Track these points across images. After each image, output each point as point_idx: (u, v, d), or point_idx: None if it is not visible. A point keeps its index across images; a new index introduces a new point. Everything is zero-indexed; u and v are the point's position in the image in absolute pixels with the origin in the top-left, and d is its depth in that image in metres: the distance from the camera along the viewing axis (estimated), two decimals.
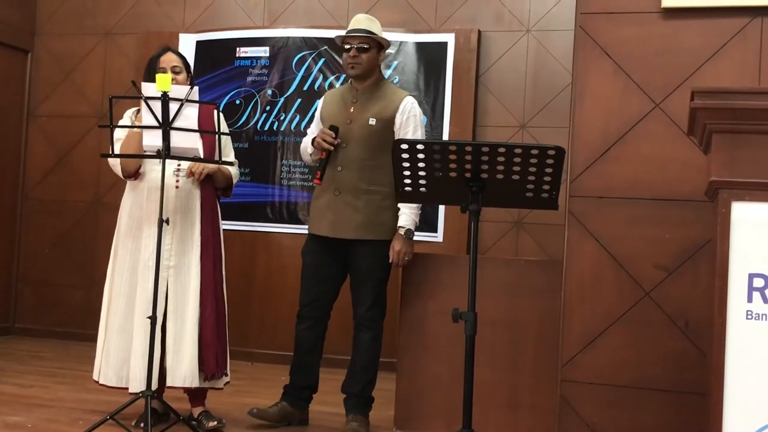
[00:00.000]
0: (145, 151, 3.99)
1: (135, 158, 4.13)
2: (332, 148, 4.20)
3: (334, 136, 4.20)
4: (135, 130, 4.11)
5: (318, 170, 4.25)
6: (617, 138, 3.55)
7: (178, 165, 4.16)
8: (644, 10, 3.56)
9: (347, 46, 4.27)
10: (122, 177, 4.25)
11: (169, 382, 4.06)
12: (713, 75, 3.44)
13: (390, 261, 4.19)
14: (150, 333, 3.88)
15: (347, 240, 4.21)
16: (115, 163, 4.21)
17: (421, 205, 4.25)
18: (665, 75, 3.52)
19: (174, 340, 4.07)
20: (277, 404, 4.31)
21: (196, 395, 4.22)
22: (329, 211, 4.24)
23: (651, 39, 3.55)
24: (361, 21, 4.30)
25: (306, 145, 4.45)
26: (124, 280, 4.17)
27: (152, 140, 3.94)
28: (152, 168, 4.17)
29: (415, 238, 4.23)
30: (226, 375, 4.25)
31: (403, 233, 4.16)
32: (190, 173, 4.16)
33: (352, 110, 4.29)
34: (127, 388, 4.11)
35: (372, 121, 4.22)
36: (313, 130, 4.45)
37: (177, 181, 4.16)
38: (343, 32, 4.34)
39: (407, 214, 4.17)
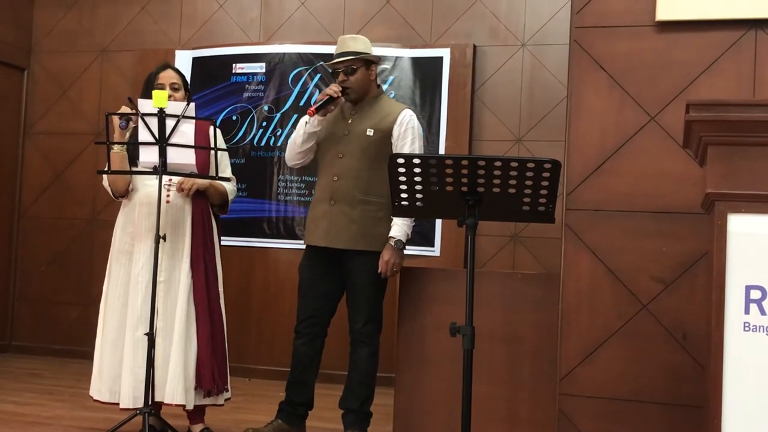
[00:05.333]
0: (141, 167, 4.02)
1: (128, 175, 4.16)
2: (336, 96, 4.20)
3: (341, 90, 4.22)
4: (116, 151, 4.11)
5: (315, 105, 4.21)
6: (613, 151, 3.56)
7: (169, 180, 4.17)
8: (638, 24, 3.57)
9: (336, 71, 4.31)
10: (114, 198, 4.27)
11: (156, 398, 4.04)
12: (708, 88, 3.45)
13: (379, 271, 4.19)
14: (147, 349, 3.89)
15: (342, 251, 4.21)
16: (106, 184, 4.23)
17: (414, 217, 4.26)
18: (660, 88, 3.52)
19: (163, 356, 4.07)
20: (273, 422, 4.29)
21: (194, 412, 4.20)
22: (324, 220, 4.24)
23: (645, 52, 3.56)
24: (345, 43, 4.32)
25: (299, 126, 4.38)
26: (118, 295, 4.18)
27: (148, 156, 3.95)
28: (144, 184, 4.19)
29: (412, 252, 4.24)
30: (227, 391, 4.24)
31: (393, 243, 4.16)
32: (180, 188, 4.16)
33: (350, 122, 4.31)
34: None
35: (369, 132, 4.24)
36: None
37: (168, 195, 4.16)
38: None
39: (399, 225, 4.17)
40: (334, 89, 4.21)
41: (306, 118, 4.30)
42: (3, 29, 7.17)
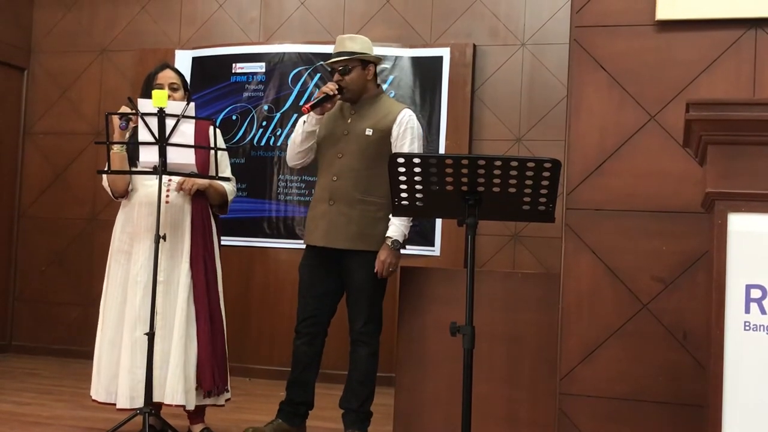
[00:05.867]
0: (141, 167, 4.02)
1: (126, 175, 4.16)
2: (332, 93, 4.18)
3: (338, 88, 4.21)
4: (116, 151, 4.11)
5: (311, 103, 4.20)
6: (613, 150, 3.56)
7: (169, 180, 4.17)
8: (638, 23, 3.57)
9: (333, 70, 4.32)
10: (114, 198, 4.27)
11: (155, 398, 4.03)
12: (708, 87, 3.45)
13: (375, 271, 4.18)
14: (148, 349, 3.89)
15: (341, 251, 4.21)
16: (106, 184, 4.23)
17: (412, 217, 4.25)
18: (660, 87, 3.52)
19: (161, 356, 4.06)
20: (273, 422, 4.29)
21: (194, 412, 4.20)
22: (323, 220, 4.24)
23: (645, 52, 3.55)
24: (342, 43, 4.33)
25: (298, 125, 4.38)
26: (116, 295, 4.18)
27: (148, 156, 3.95)
28: (143, 183, 4.19)
29: (412, 251, 4.23)
30: (227, 391, 4.24)
31: (389, 243, 4.16)
32: (180, 188, 4.16)
33: (349, 121, 4.31)
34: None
35: (368, 132, 4.23)
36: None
37: (167, 195, 4.16)
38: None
39: (396, 226, 4.16)
40: (330, 87, 4.21)
41: (304, 117, 4.31)
42: (3, 29, 7.17)
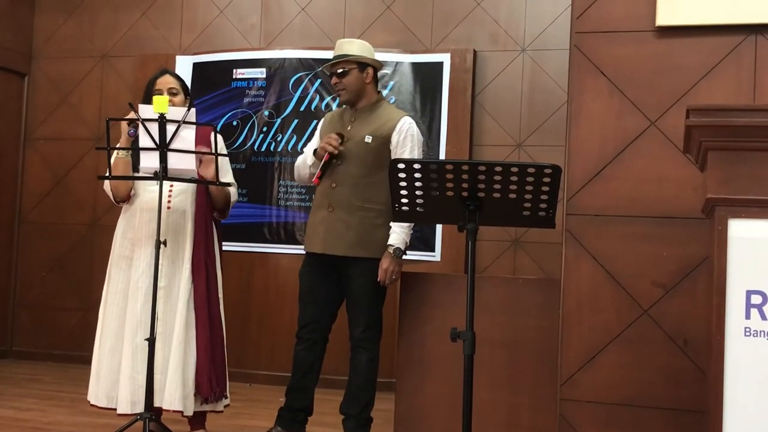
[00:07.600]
0: (142, 173, 4.02)
1: (129, 180, 4.15)
2: (336, 152, 4.18)
3: (339, 141, 4.20)
4: (120, 156, 4.11)
5: (319, 170, 4.22)
6: (613, 156, 3.56)
7: (171, 186, 4.16)
8: (639, 29, 3.57)
9: (331, 73, 4.32)
10: (115, 203, 4.27)
11: (155, 403, 4.02)
12: (708, 93, 3.45)
13: (378, 280, 4.18)
14: (148, 354, 3.88)
15: (341, 258, 4.21)
16: (107, 189, 4.23)
17: (413, 224, 4.25)
18: (660, 93, 3.53)
19: (162, 362, 4.06)
20: (272, 429, 4.29)
21: (194, 418, 4.19)
22: (322, 227, 4.24)
23: (646, 57, 3.56)
24: (341, 47, 4.33)
25: (306, 156, 4.40)
26: (117, 301, 4.17)
27: (149, 162, 3.95)
28: (145, 189, 4.18)
29: (413, 257, 4.23)
30: (226, 397, 4.23)
31: (391, 252, 4.15)
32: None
33: (349, 128, 4.31)
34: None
35: (368, 139, 4.23)
36: (311, 148, 4.44)
37: (169, 201, 4.16)
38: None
39: (398, 233, 4.16)
40: (333, 144, 4.18)
41: (311, 150, 4.32)
42: (4, 35, 7.18)
